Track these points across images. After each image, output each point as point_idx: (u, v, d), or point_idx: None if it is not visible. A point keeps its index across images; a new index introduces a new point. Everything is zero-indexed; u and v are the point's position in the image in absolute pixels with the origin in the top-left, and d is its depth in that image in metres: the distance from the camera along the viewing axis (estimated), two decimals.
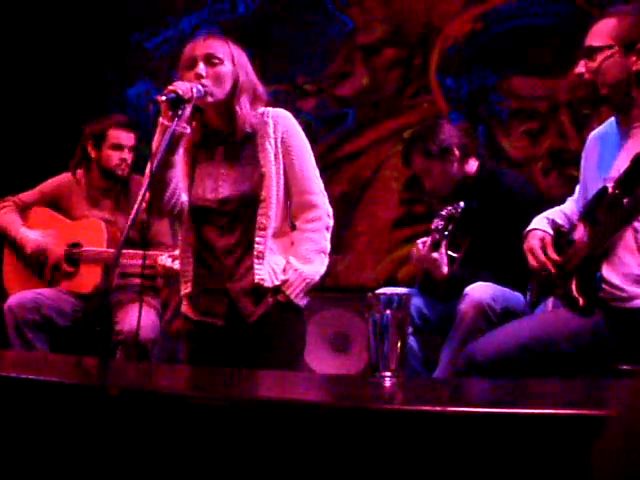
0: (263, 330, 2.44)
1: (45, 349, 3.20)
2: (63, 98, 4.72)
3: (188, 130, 2.34)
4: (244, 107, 2.42)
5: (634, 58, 2.12)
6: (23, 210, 3.48)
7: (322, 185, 2.50)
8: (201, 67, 2.36)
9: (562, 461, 1.11)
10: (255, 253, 2.41)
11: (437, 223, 2.88)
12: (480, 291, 2.69)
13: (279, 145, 2.45)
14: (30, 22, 4.79)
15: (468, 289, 2.71)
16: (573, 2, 4.02)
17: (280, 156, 2.44)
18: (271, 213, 2.42)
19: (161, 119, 2.30)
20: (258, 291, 2.43)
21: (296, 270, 2.43)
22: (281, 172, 2.44)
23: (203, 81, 2.35)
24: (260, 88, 2.49)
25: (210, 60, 2.39)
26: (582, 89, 2.19)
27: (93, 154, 3.39)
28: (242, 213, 2.44)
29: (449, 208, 2.86)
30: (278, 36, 4.61)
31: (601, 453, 0.79)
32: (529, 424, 1.13)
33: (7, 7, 4.69)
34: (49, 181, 3.51)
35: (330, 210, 2.50)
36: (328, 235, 2.49)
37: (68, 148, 3.53)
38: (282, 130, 2.46)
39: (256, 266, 2.41)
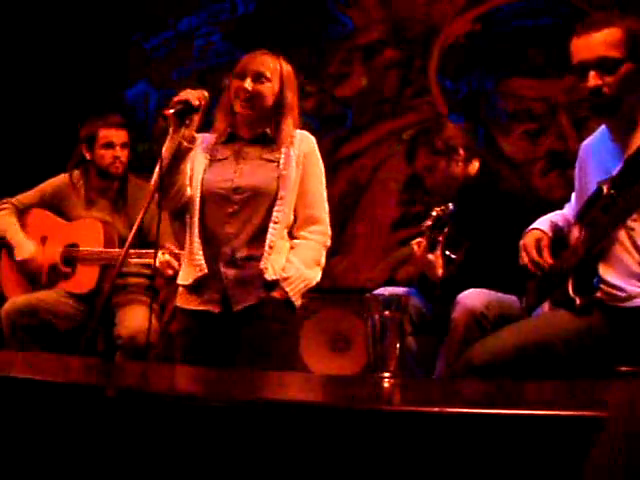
0: (250, 323, 2.48)
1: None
2: (62, 98, 4.72)
3: (195, 144, 2.46)
4: (289, 128, 2.57)
5: None
6: (22, 211, 3.47)
7: (327, 208, 2.64)
8: (248, 82, 2.52)
9: (560, 462, 1.11)
10: (268, 242, 2.49)
11: (426, 223, 2.88)
12: (472, 298, 2.63)
13: (301, 159, 2.58)
14: (29, 24, 4.80)
15: (460, 296, 2.65)
16: (572, 3, 4.02)
17: (300, 167, 2.57)
18: (287, 211, 2.52)
19: (171, 130, 2.39)
20: (256, 282, 2.49)
21: (298, 269, 2.51)
22: (298, 181, 2.55)
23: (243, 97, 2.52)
24: (297, 110, 2.62)
25: (259, 78, 2.54)
26: (599, 102, 2.09)
27: (88, 155, 3.40)
28: (254, 204, 2.51)
29: (438, 209, 2.86)
30: (278, 36, 4.61)
31: (600, 454, 0.79)
32: (526, 425, 1.13)
33: (6, 8, 4.69)
34: (48, 182, 3.50)
35: (330, 232, 2.63)
36: (325, 252, 2.62)
37: (66, 149, 3.53)
38: (305, 148, 2.60)
39: (266, 254, 2.48)
